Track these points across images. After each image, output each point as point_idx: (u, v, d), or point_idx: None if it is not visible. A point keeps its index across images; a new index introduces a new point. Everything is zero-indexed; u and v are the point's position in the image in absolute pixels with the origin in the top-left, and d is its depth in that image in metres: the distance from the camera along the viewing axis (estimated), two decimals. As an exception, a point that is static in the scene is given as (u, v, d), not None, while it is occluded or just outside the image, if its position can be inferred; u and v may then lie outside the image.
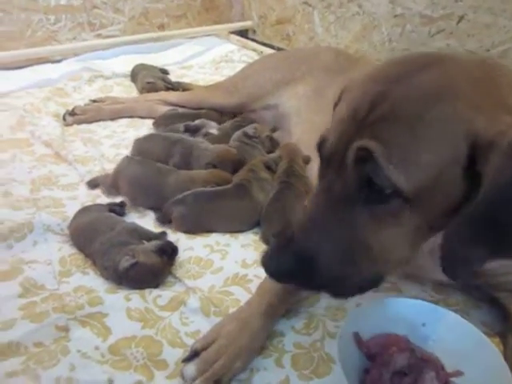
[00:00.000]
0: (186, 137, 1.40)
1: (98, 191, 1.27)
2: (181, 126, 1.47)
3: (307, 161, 1.27)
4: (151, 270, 0.92)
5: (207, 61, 2.34)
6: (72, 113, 1.67)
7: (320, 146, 0.71)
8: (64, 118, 1.66)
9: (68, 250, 1.04)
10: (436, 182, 0.62)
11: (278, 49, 2.39)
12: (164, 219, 1.09)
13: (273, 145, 1.38)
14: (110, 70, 2.12)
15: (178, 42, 2.44)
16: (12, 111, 1.71)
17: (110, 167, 1.37)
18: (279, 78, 1.58)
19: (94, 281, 0.96)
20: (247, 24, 2.57)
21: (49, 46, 2.11)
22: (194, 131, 1.47)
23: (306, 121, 1.42)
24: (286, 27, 2.35)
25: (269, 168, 1.22)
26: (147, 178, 1.17)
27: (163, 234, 1.06)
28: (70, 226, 1.07)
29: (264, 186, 1.17)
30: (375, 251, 0.66)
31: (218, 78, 2.12)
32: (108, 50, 2.23)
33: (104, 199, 1.24)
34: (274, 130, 1.48)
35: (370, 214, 0.64)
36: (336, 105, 0.79)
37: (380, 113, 0.62)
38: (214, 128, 1.51)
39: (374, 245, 0.66)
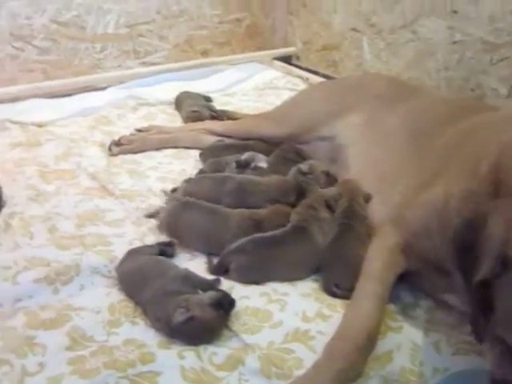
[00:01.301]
0: (234, 174, 1.34)
1: (145, 228, 1.22)
2: (232, 162, 1.40)
3: (368, 199, 1.18)
4: (207, 325, 0.84)
5: (250, 88, 2.29)
6: (118, 143, 1.64)
7: None
8: (110, 149, 1.63)
9: (116, 295, 0.98)
10: None
11: (323, 75, 2.32)
12: (220, 269, 1.01)
13: (329, 181, 1.30)
14: (154, 97, 2.09)
15: (220, 68, 2.40)
16: (58, 141, 1.69)
17: (157, 203, 1.32)
18: (332, 107, 1.50)
19: (144, 333, 0.89)
20: (291, 50, 2.52)
21: (95, 75, 2.11)
22: (244, 166, 1.41)
23: (363, 153, 1.34)
24: (332, 53, 2.29)
25: (329, 207, 1.13)
26: (207, 225, 1.09)
27: (217, 280, 0.99)
28: (119, 270, 1.01)
29: (324, 226, 1.09)
30: None
31: (263, 105, 2.07)
32: (152, 77, 2.22)
33: (152, 238, 1.18)
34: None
35: None
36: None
37: None
38: (262, 161, 1.44)
39: None
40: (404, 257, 0.98)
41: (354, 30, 2.11)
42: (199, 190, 1.27)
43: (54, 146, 1.65)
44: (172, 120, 1.93)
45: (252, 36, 2.50)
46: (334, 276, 1.01)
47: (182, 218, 1.11)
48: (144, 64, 2.25)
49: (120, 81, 2.16)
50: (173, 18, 2.22)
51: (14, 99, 1.95)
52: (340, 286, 1.00)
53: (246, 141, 1.58)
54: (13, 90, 1.94)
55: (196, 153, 1.64)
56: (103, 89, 2.14)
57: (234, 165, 1.41)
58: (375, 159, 1.27)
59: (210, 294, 0.88)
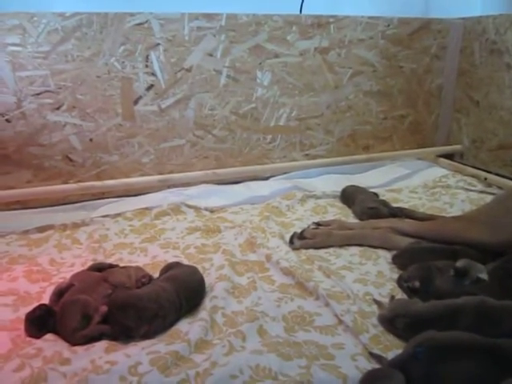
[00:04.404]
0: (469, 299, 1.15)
1: (365, 339, 1.04)
2: (449, 270, 1.23)
3: None
4: None
5: (417, 185, 2.15)
6: (300, 236, 1.55)
7: None
8: (291, 241, 1.54)
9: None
10: None
11: (496, 174, 2.13)
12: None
13: None
14: (318, 189, 2.04)
15: (381, 163, 2.33)
16: (236, 229, 1.65)
17: (368, 310, 1.17)
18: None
19: None
20: (456, 148, 2.38)
21: (262, 165, 2.12)
22: (463, 275, 1.23)
23: None
24: (511, 153, 2.11)
25: None
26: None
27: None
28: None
29: None
30: None
31: (441, 205, 1.92)
32: (313, 169, 2.19)
33: (376, 352, 1.01)
34: None
35: None
36: None
37: None
38: (483, 272, 1.24)
39: None
40: None
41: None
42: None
43: (233, 234, 1.61)
44: (345, 215, 1.82)
45: (413, 132, 2.42)
46: None
47: (439, 370, 0.86)
48: (307, 156, 2.23)
49: (283, 171, 2.16)
50: (340, 113, 2.22)
51: (188, 184, 2.00)
52: None
53: (448, 245, 1.41)
54: (188, 175, 1.99)
55: (384, 253, 1.50)
56: (266, 178, 2.15)
57: (452, 272, 1.24)
58: None
59: None
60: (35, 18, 1.67)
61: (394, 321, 1.09)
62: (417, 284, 1.24)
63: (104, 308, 1.04)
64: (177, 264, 1.26)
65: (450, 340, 0.90)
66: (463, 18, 2.30)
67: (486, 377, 0.84)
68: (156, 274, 1.28)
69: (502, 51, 2.12)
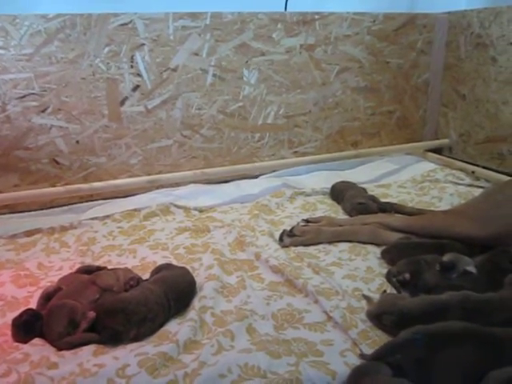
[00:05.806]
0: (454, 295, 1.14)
1: (354, 334, 1.04)
2: (436, 264, 1.24)
3: None
4: None
5: (405, 179, 2.16)
6: (290, 234, 1.55)
7: None
8: (281, 239, 1.54)
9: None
10: None
11: (484, 168, 2.14)
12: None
13: None
14: (307, 186, 2.05)
15: (368, 159, 2.33)
16: (225, 228, 1.65)
17: (357, 305, 1.17)
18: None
19: None
20: (444, 142, 2.39)
21: (251, 163, 2.12)
22: (450, 269, 1.23)
23: None
24: (498, 146, 2.12)
25: None
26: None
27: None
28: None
29: None
30: None
31: (429, 199, 1.92)
32: (302, 167, 2.19)
33: (364, 347, 1.01)
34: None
35: None
36: None
37: None
38: (470, 265, 1.25)
39: None
40: None
41: (532, 121, 1.95)
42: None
43: (222, 234, 1.61)
44: (335, 211, 1.82)
45: (401, 127, 2.43)
46: None
47: (432, 356, 0.87)
48: (296, 153, 2.23)
49: (272, 169, 2.16)
50: (328, 109, 2.22)
51: (176, 184, 1.99)
52: None
53: (436, 240, 1.42)
54: (176, 175, 1.99)
55: (373, 248, 1.50)
56: (255, 176, 2.14)
57: (438, 267, 1.25)
58: None
59: None
60: (17, 21, 1.65)
61: (380, 317, 1.09)
62: (407, 276, 1.24)
63: (92, 314, 1.03)
64: (168, 265, 1.25)
65: (444, 328, 0.91)
66: (448, 13, 2.31)
67: (480, 364, 0.84)
68: (145, 276, 1.27)
69: (486, 44, 2.13)
